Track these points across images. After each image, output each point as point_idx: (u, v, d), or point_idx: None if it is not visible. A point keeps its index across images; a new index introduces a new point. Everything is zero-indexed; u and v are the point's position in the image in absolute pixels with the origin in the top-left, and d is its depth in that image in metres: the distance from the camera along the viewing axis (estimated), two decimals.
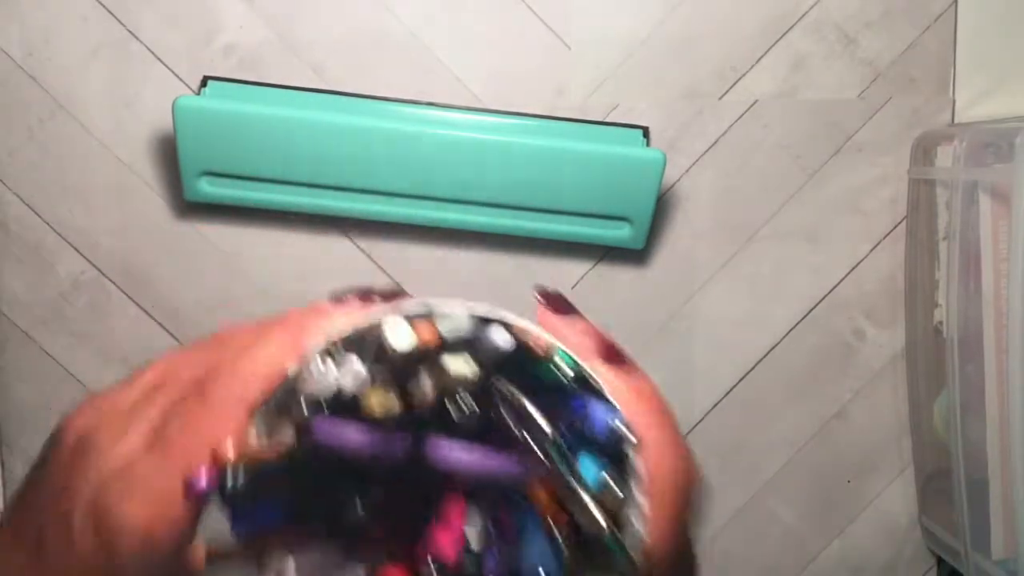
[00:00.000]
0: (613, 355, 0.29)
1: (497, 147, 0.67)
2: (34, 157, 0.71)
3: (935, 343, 0.72)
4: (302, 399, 0.26)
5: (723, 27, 0.71)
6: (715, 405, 0.75)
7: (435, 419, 0.26)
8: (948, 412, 0.68)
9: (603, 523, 0.25)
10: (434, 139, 0.67)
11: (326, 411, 0.26)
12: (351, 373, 0.26)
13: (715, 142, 0.72)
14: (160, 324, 0.73)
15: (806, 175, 0.73)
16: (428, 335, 0.27)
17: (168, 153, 0.71)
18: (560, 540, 0.25)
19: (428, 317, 0.27)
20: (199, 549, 0.25)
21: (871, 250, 0.74)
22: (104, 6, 0.70)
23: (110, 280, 0.72)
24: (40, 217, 0.71)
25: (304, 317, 0.29)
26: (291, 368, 0.26)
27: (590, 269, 0.73)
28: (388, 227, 0.72)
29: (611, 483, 0.26)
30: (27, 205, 0.71)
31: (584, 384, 0.27)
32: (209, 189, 0.69)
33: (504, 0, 0.71)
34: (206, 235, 0.72)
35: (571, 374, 0.27)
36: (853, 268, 0.74)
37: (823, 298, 0.75)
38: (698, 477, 0.28)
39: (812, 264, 0.74)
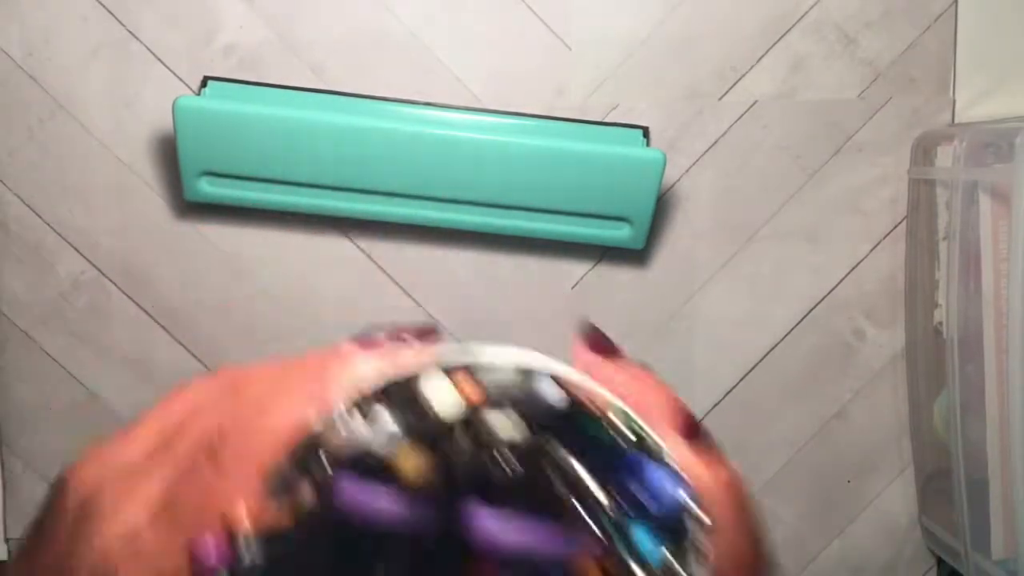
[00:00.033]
0: (687, 423, 0.26)
1: (497, 147, 0.67)
2: (34, 157, 0.71)
3: (935, 343, 0.72)
4: (324, 457, 0.23)
5: (723, 27, 0.71)
6: (715, 405, 0.75)
7: (473, 483, 0.23)
8: (948, 412, 0.68)
9: None
10: (434, 139, 0.67)
11: (351, 471, 0.23)
12: (381, 430, 0.23)
13: (715, 142, 0.72)
14: (160, 324, 0.73)
15: (806, 175, 0.73)
16: (472, 393, 0.24)
17: (168, 153, 0.71)
18: None
19: (469, 368, 0.25)
20: None
21: (871, 250, 0.74)
22: (104, 6, 0.70)
23: (110, 280, 0.72)
24: (40, 217, 0.71)
25: (328, 363, 0.26)
26: (313, 421, 0.24)
27: (590, 269, 0.73)
28: (388, 227, 0.72)
29: (674, 563, 0.23)
30: (27, 205, 0.71)
31: (642, 446, 0.24)
32: (209, 189, 0.69)
33: (504, 0, 0.71)
34: (206, 235, 0.72)
35: (628, 434, 0.24)
36: (853, 268, 0.74)
37: (823, 298, 0.75)
38: None
39: (812, 264, 0.74)
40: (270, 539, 0.23)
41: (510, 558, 0.23)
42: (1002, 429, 0.64)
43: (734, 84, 0.72)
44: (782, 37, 0.72)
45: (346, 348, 0.26)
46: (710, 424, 0.75)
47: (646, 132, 0.71)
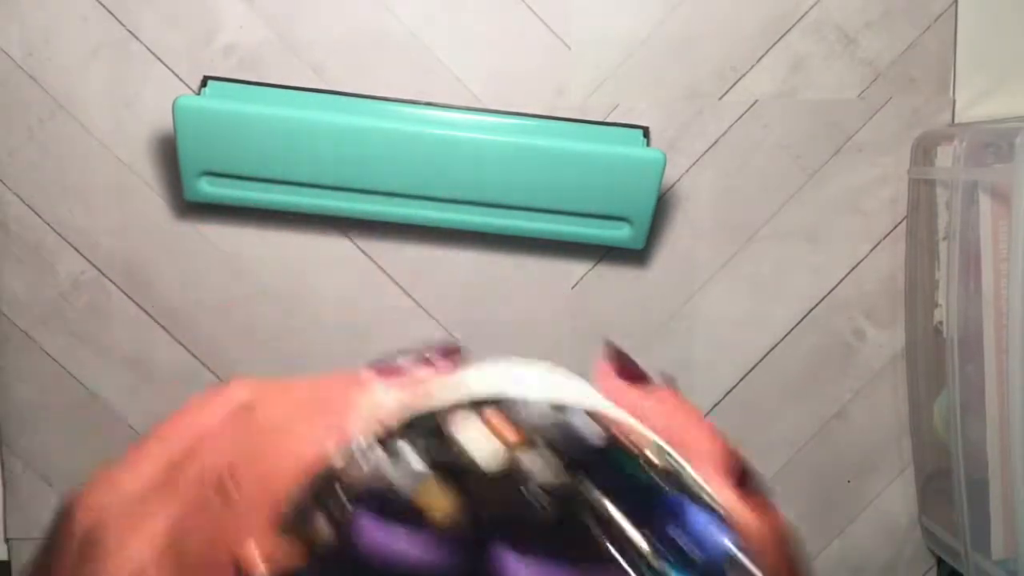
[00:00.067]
0: (732, 462, 0.24)
1: (497, 147, 0.67)
2: (34, 157, 0.71)
3: (935, 343, 0.72)
4: (343, 492, 0.22)
5: (723, 27, 0.71)
6: (715, 405, 0.75)
7: (503, 526, 0.21)
8: (948, 412, 0.68)
9: None
10: (434, 139, 0.67)
11: (372, 509, 0.21)
12: (404, 467, 0.22)
13: (715, 142, 0.72)
14: (160, 324, 0.73)
15: (806, 175, 0.73)
16: (510, 436, 0.22)
17: (168, 153, 0.71)
18: None
19: (500, 404, 0.23)
20: None
21: (871, 250, 0.74)
22: (104, 6, 0.70)
23: (110, 280, 0.72)
24: (40, 217, 0.71)
25: (347, 391, 0.24)
26: (332, 454, 0.22)
27: (590, 269, 0.73)
28: (388, 227, 0.72)
29: None
30: (27, 205, 0.71)
31: (683, 487, 0.23)
32: (209, 189, 0.69)
33: (504, 0, 0.71)
34: (206, 235, 0.72)
35: (668, 473, 0.23)
36: (853, 268, 0.74)
37: (823, 298, 0.75)
38: None
39: (812, 264, 0.74)
40: None
41: None
42: (1002, 429, 0.64)
43: (734, 84, 0.72)
44: (782, 37, 0.72)
45: (366, 375, 0.25)
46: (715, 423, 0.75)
47: (646, 132, 0.71)
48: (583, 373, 0.78)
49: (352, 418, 0.23)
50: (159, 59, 0.70)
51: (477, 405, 0.23)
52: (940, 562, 0.76)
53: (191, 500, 0.23)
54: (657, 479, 0.22)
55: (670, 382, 0.27)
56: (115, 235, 0.72)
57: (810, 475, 0.76)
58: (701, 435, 0.25)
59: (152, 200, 0.72)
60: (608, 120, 0.71)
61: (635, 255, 0.73)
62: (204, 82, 0.69)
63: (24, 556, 0.74)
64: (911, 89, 0.72)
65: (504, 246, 0.73)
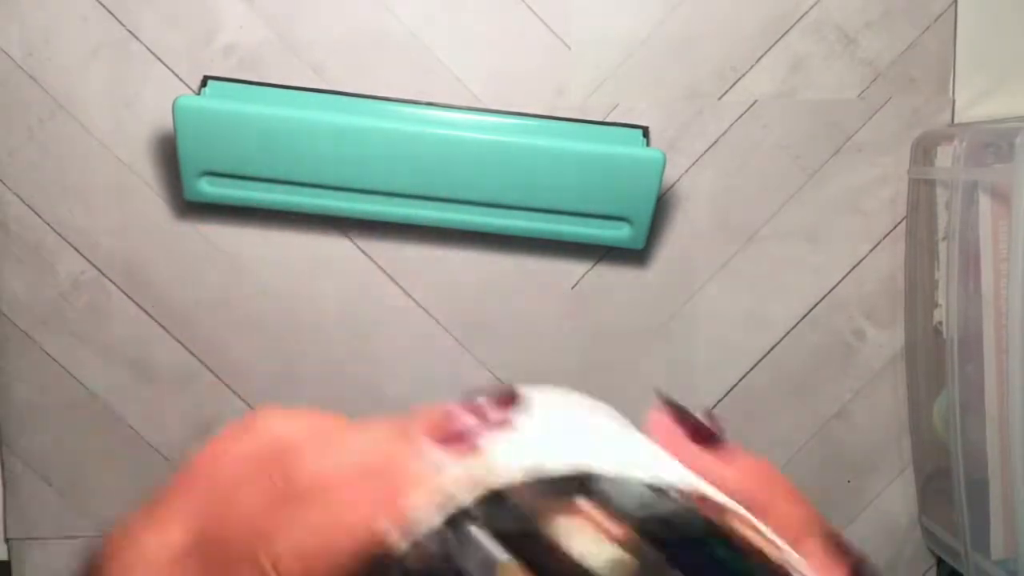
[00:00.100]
0: (831, 539, 0.22)
1: (497, 147, 0.67)
2: (34, 157, 0.71)
3: (935, 343, 0.72)
4: None
5: (723, 27, 0.71)
6: (715, 405, 0.75)
7: None
8: (948, 412, 0.68)
9: None
10: (434, 139, 0.67)
11: None
12: (478, 552, 0.19)
13: (715, 142, 0.72)
14: (160, 324, 0.73)
15: (806, 175, 0.73)
16: (615, 531, 0.19)
17: (168, 153, 0.71)
18: None
19: (588, 486, 0.20)
20: None
21: (871, 250, 0.74)
22: (104, 6, 0.70)
23: (110, 280, 0.72)
24: (40, 217, 0.71)
25: (399, 452, 0.21)
26: (387, 534, 0.19)
27: (590, 269, 0.73)
28: (388, 227, 0.72)
29: None
30: (27, 205, 0.71)
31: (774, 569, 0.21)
32: (209, 189, 0.69)
33: (504, 0, 0.71)
34: (206, 235, 0.72)
35: (766, 558, 0.21)
36: (853, 268, 0.74)
37: (823, 298, 0.75)
38: None
39: (812, 264, 0.74)
40: None
41: None
42: (1002, 429, 0.64)
43: (734, 84, 0.72)
44: (782, 37, 0.72)
45: (417, 433, 0.21)
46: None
47: (646, 132, 0.71)
48: (584, 373, 0.78)
49: (408, 489, 0.20)
50: (159, 59, 0.70)
51: (561, 486, 0.20)
52: (940, 562, 0.76)
53: None
54: (757, 571, 0.20)
55: (721, 424, 0.25)
56: (115, 235, 0.72)
57: (810, 475, 0.76)
58: (789, 504, 0.23)
59: (152, 200, 0.72)
60: (608, 120, 0.71)
61: (635, 255, 0.73)
62: (204, 82, 0.69)
63: (24, 556, 0.74)
64: (911, 89, 0.72)
65: (504, 246, 0.73)
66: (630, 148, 0.68)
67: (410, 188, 0.68)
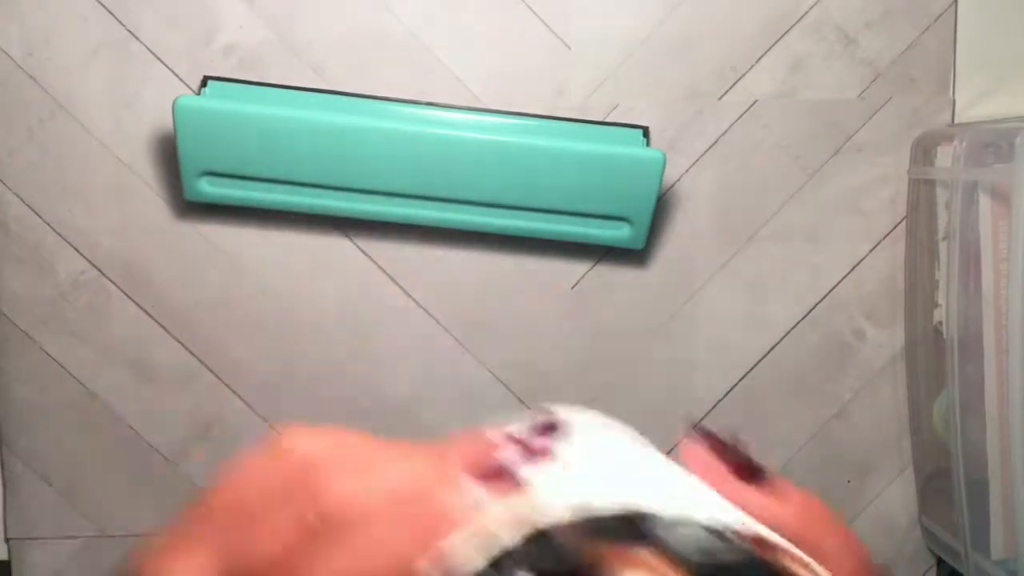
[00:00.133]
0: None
1: (497, 147, 0.67)
2: (34, 157, 0.71)
3: (935, 343, 0.72)
4: None
5: (723, 27, 0.71)
6: (715, 405, 0.75)
7: None
8: (948, 412, 0.68)
9: None
10: (434, 139, 0.67)
11: None
12: None
13: (715, 142, 0.72)
14: (160, 324, 0.73)
15: (806, 175, 0.73)
16: None
17: (168, 153, 0.71)
18: None
19: (635, 519, 0.19)
20: None
21: (871, 250, 0.74)
22: (104, 6, 0.70)
23: (110, 280, 0.72)
24: (40, 217, 0.71)
25: (437, 492, 0.19)
26: (423, 572, 0.18)
27: (590, 269, 0.73)
28: (388, 227, 0.72)
29: None
30: (27, 205, 0.71)
31: None
32: (209, 189, 0.69)
33: (504, 0, 0.71)
34: (206, 235, 0.72)
35: None
36: (853, 268, 0.74)
37: (823, 298, 0.75)
38: None
39: (812, 264, 0.74)
40: None
41: None
42: (1002, 429, 0.64)
43: (734, 84, 0.72)
44: (782, 37, 0.72)
45: (460, 475, 0.20)
46: (710, 424, 0.75)
47: (646, 132, 0.71)
48: (584, 373, 0.78)
49: (447, 527, 0.18)
50: (159, 59, 0.70)
51: (611, 526, 0.19)
52: (940, 562, 0.76)
53: None
54: None
55: (748, 447, 0.23)
56: (115, 235, 0.72)
57: (810, 475, 0.76)
58: (843, 547, 0.22)
59: (152, 200, 0.72)
60: (608, 120, 0.71)
61: (635, 255, 0.73)
62: (204, 82, 0.69)
63: (24, 556, 0.74)
64: (911, 89, 0.72)
65: (504, 246, 0.73)
66: (630, 148, 0.68)
67: (410, 188, 0.68)
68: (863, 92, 0.72)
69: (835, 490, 0.76)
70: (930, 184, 0.71)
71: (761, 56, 0.72)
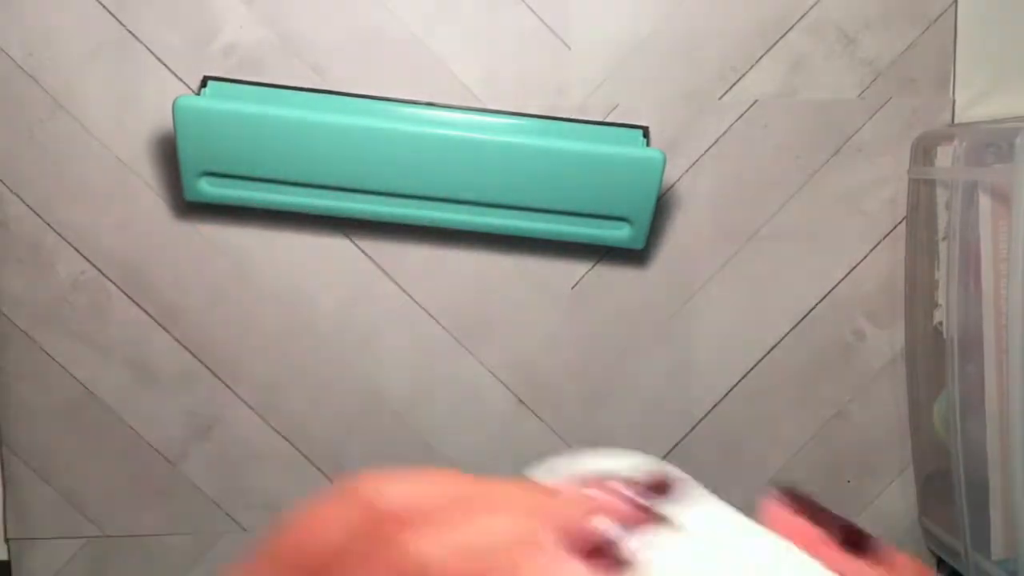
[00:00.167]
0: None
1: (497, 147, 0.67)
2: (34, 157, 0.71)
3: (935, 343, 0.72)
4: None
5: (723, 27, 0.71)
6: (715, 405, 0.75)
7: None
8: (948, 412, 0.68)
9: None
10: (434, 139, 0.67)
11: None
12: None
13: (715, 142, 0.72)
14: (160, 324, 0.73)
15: (806, 175, 0.73)
16: None
17: (168, 153, 0.71)
18: None
19: None
20: None
21: (871, 250, 0.74)
22: (104, 6, 0.70)
23: (110, 280, 0.72)
24: (40, 217, 0.71)
25: (532, 562, 0.17)
26: None
27: (590, 269, 0.73)
28: (388, 227, 0.72)
29: None
30: (27, 205, 0.71)
31: None
32: (209, 189, 0.69)
33: (504, 0, 0.71)
34: (206, 235, 0.72)
35: None
36: (853, 268, 0.74)
37: (823, 298, 0.74)
38: None
39: (812, 264, 0.74)
40: None
41: None
42: (1002, 429, 0.64)
43: (734, 84, 0.72)
44: (782, 37, 0.72)
45: (556, 549, 0.17)
46: (710, 424, 0.75)
47: (646, 132, 0.71)
48: (584, 373, 0.78)
49: None
50: (159, 59, 0.70)
51: None
52: (940, 562, 0.76)
53: None
54: None
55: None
56: (115, 235, 0.72)
57: (810, 475, 0.76)
58: None
59: (152, 200, 0.72)
60: (608, 120, 0.71)
61: (635, 255, 0.73)
62: (204, 82, 0.69)
63: (24, 556, 0.74)
64: (911, 89, 0.72)
65: (504, 246, 0.73)
66: (630, 148, 0.68)
67: (410, 188, 0.68)
68: (863, 92, 0.72)
69: (835, 490, 0.76)
70: (930, 184, 0.71)
71: (761, 56, 0.72)
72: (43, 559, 0.74)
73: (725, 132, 0.72)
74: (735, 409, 0.75)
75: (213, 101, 0.67)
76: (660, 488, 0.18)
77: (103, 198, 0.71)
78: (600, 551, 0.17)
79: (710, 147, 0.72)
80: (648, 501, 0.18)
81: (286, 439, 0.74)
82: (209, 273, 0.72)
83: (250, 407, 0.74)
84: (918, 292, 0.73)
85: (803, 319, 0.75)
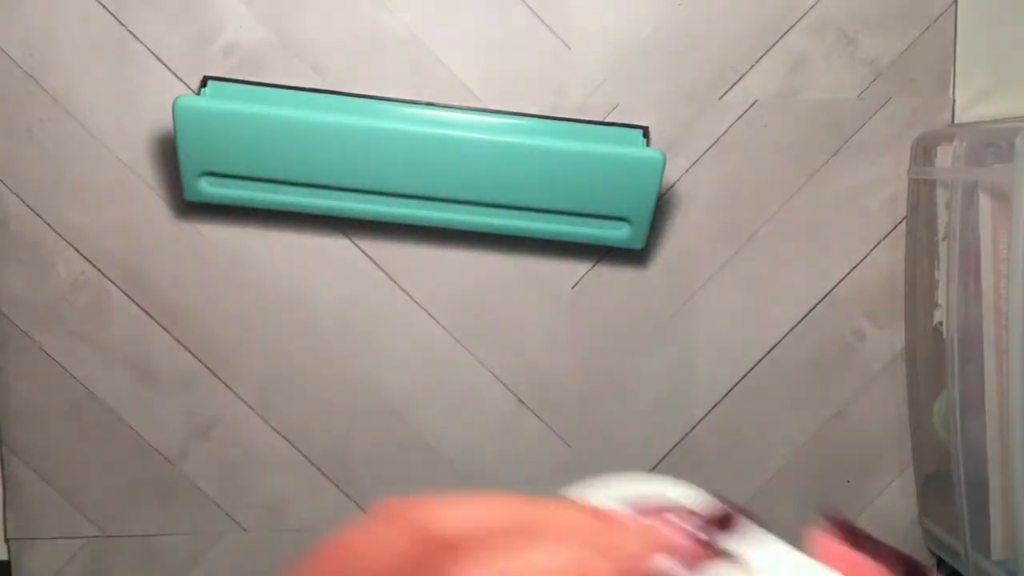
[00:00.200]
0: None
1: (497, 147, 0.67)
2: (34, 157, 0.71)
3: (935, 343, 0.72)
4: None
5: (723, 27, 0.71)
6: (715, 405, 0.75)
7: None
8: (948, 412, 0.68)
9: None
10: (434, 139, 0.67)
11: None
12: None
13: (715, 142, 0.72)
14: (160, 324, 0.73)
15: (806, 175, 0.73)
16: None
17: (168, 153, 0.71)
18: None
19: None
20: None
21: (871, 250, 0.74)
22: (104, 6, 0.70)
23: (110, 280, 0.72)
24: (40, 217, 0.71)
25: None
26: None
27: (590, 269, 0.73)
28: (388, 227, 0.72)
29: None
30: (27, 205, 0.71)
31: None
32: (209, 189, 0.68)
33: (504, 0, 0.71)
34: (206, 235, 0.72)
35: None
36: (853, 268, 0.74)
37: (823, 298, 0.74)
38: None
39: (812, 264, 0.74)
40: None
41: None
42: (1002, 429, 0.64)
43: (734, 84, 0.72)
44: (782, 37, 0.72)
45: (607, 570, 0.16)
46: (710, 424, 0.75)
47: (646, 132, 0.71)
48: (584, 373, 0.78)
49: None
50: (159, 59, 0.70)
51: None
52: (940, 562, 0.76)
53: None
54: None
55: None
56: (115, 235, 0.72)
57: (810, 475, 0.76)
58: None
59: (152, 200, 0.72)
60: (608, 120, 0.71)
61: (635, 255, 0.73)
62: (204, 82, 0.69)
63: (24, 556, 0.74)
64: (911, 89, 0.72)
65: (504, 246, 0.73)
66: (630, 148, 0.68)
67: (410, 188, 0.68)
68: (863, 92, 0.72)
69: (835, 490, 0.76)
70: (930, 184, 0.71)
71: (761, 56, 0.72)
72: (43, 559, 0.74)
73: (725, 132, 0.72)
74: (735, 409, 0.75)
75: (213, 101, 0.67)
76: (722, 523, 0.17)
77: (103, 198, 0.71)
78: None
79: (710, 147, 0.72)
80: (710, 536, 0.17)
81: (286, 439, 0.74)
82: (209, 273, 0.72)
83: (250, 407, 0.74)
84: (918, 292, 0.73)
85: (803, 319, 0.75)
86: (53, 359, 0.73)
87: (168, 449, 0.74)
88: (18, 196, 0.71)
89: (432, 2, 0.71)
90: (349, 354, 0.74)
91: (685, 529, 0.17)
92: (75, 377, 0.73)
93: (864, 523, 0.76)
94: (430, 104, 0.70)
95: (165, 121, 0.70)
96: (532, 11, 0.71)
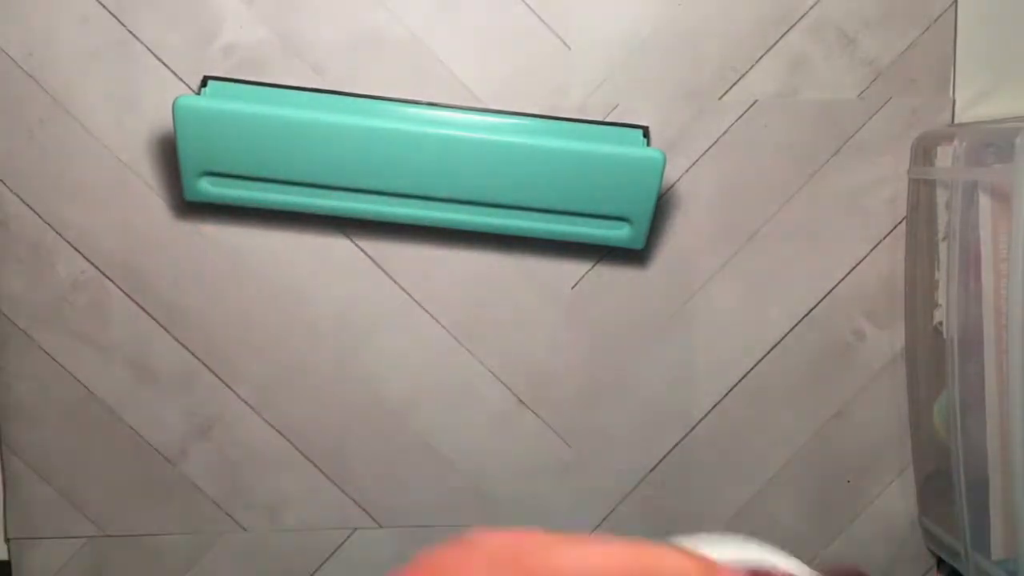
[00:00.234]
0: None
1: (497, 147, 0.67)
2: (34, 157, 0.71)
3: (935, 343, 0.72)
4: None
5: (723, 27, 0.71)
6: (715, 405, 0.75)
7: None
8: (948, 412, 0.68)
9: None
10: (434, 139, 0.67)
11: None
12: None
13: (715, 142, 0.72)
14: (160, 324, 0.73)
15: (806, 175, 0.73)
16: None
17: (168, 153, 0.71)
18: None
19: None
20: None
21: (871, 250, 0.74)
22: (104, 6, 0.70)
23: (110, 280, 0.72)
24: (40, 217, 0.71)
25: None
26: None
27: (590, 269, 0.73)
28: (388, 227, 0.72)
29: None
30: (27, 205, 0.71)
31: None
32: (209, 189, 0.69)
33: (504, 0, 0.71)
34: (206, 235, 0.72)
35: None
36: (853, 268, 0.74)
37: (823, 298, 0.74)
38: None
39: (812, 264, 0.74)
40: None
41: None
42: (1002, 429, 0.64)
43: (734, 84, 0.72)
44: (782, 37, 0.72)
45: None
46: (710, 424, 0.75)
47: (646, 132, 0.71)
48: (584, 373, 0.78)
49: None
50: (159, 59, 0.70)
51: None
52: (940, 562, 0.76)
53: None
54: None
55: None
56: (115, 235, 0.72)
57: (810, 475, 0.76)
58: None
59: (152, 200, 0.72)
60: (608, 120, 0.71)
61: (635, 255, 0.73)
62: (204, 82, 0.69)
63: (24, 556, 0.74)
64: (911, 89, 0.72)
65: (504, 246, 0.73)
66: (630, 148, 0.68)
67: (410, 188, 0.68)
68: (863, 92, 0.72)
69: (835, 490, 0.76)
70: (930, 184, 0.71)
71: (761, 56, 0.72)
72: (43, 559, 0.74)
73: (725, 132, 0.72)
74: (735, 409, 0.75)
75: (213, 101, 0.67)
76: None
77: (103, 198, 0.71)
78: None
79: (710, 147, 0.72)
80: None
81: (286, 439, 0.74)
82: (209, 273, 0.72)
83: (250, 407, 0.74)
84: (918, 292, 0.73)
85: (803, 319, 0.75)
86: (53, 359, 0.73)
87: (168, 449, 0.74)
88: (18, 196, 0.71)
89: (432, 2, 0.71)
90: (349, 354, 0.74)
91: None
92: (75, 377, 0.73)
93: (864, 523, 0.76)
94: (430, 104, 0.70)
95: (165, 121, 0.70)
96: (532, 11, 0.71)
